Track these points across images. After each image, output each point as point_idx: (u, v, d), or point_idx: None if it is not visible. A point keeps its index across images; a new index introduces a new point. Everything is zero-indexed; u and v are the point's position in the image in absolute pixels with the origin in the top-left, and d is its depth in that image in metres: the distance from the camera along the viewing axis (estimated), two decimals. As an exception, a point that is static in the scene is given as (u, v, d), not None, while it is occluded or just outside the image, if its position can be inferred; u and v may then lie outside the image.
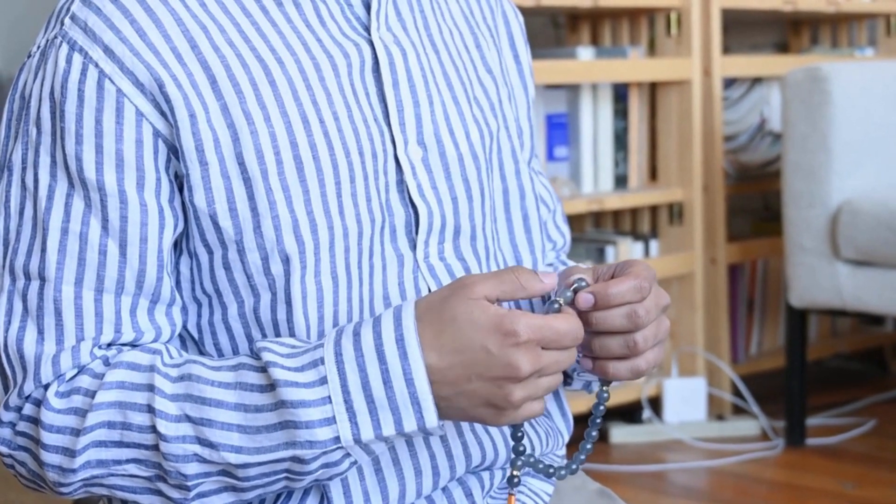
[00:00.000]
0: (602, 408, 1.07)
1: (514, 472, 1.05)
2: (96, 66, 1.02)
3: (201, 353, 1.08)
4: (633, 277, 1.02)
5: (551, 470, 1.06)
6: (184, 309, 1.08)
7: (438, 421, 0.96)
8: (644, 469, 2.89)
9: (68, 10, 1.05)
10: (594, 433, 1.07)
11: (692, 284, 3.17)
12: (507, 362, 0.94)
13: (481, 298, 0.95)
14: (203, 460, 0.99)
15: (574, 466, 1.07)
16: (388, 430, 0.96)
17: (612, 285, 1.01)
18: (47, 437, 1.01)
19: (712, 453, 2.97)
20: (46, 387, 1.02)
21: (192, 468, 0.99)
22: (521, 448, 1.05)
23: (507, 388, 0.95)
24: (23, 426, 1.03)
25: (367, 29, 1.10)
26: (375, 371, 0.95)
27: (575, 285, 1.02)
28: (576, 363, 1.16)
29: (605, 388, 1.07)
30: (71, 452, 1.01)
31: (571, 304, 1.01)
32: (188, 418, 0.99)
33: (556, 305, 0.99)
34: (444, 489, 1.09)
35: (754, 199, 3.73)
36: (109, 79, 1.02)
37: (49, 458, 1.01)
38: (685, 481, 2.84)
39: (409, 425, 0.96)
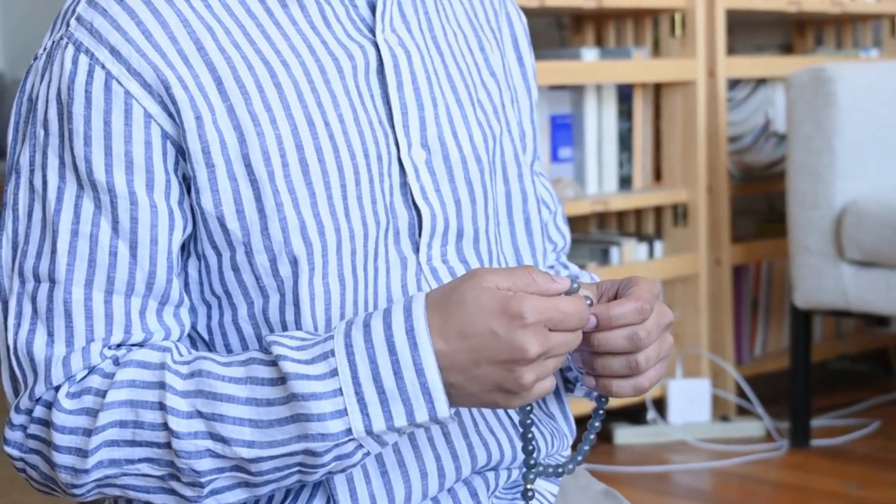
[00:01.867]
0: (602, 412, 1.07)
1: (528, 486, 1.05)
2: (103, 67, 1.02)
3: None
4: (634, 299, 1.02)
5: (560, 469, 1.07)
6: (192, 310, 1.08)
7: (450, 410, 0.96)
8: (648, 470, 2.89)
9: (74, 11, 1.05)
10: (597, 423, 1.07)
11: (696, 285, 3.17)
12: (515, 345, 0.93)
13: (491, 286, 0.95)
14: (216, 455, 0.99)
15: (580, 458, 1.07)
16: (400, 421, 0.96)
17: (613, 307, 1.01)
18: (59, 439, 1.01)
19: (716, 454, 2.97)
20: (57, 389, 1.02)
21: (204, 464, 0.99)
22: (532, 461, 1.05)
23: (517, 371, 0.94)
24: (34, 429, 1.03)
25: (372, 31, 1.10)
26: (386, 362, 0.95)
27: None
28: (579, 374, 1.16)
29: (604, 399, 1.07)
30: (83, 453, 1.00)
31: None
32: (200, 414, 0.99)
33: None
34: (449, 490, 1.09)
35: (759, 200, 3.72)
36: (117, 80, 1.02)
37: (61, 459, 1.01)
38: (689, 482, 2.84)
39: (421, 416, 0.96)
